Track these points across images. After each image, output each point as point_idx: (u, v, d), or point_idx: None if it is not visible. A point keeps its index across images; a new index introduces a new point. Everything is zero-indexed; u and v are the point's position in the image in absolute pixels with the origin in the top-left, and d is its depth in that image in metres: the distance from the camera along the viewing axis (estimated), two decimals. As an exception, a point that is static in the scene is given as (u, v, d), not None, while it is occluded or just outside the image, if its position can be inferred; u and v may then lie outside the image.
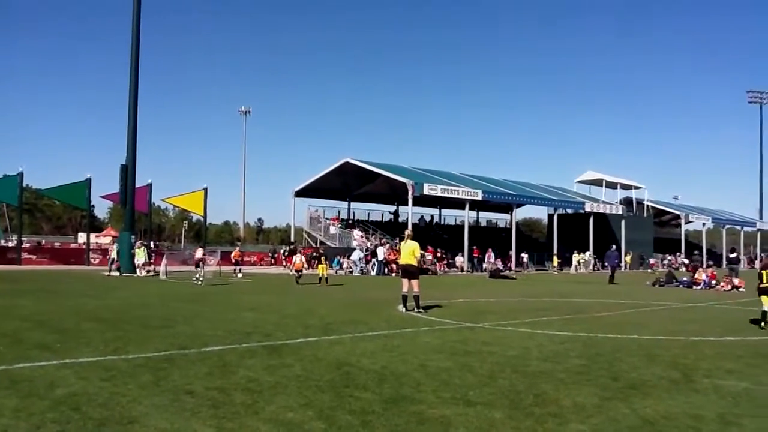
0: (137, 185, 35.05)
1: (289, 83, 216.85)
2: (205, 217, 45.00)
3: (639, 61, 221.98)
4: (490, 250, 46.26)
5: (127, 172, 33.67)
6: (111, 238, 44.54)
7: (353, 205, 56.93)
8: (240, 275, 30.34)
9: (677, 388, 6.90)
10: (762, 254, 54.95)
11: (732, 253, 33.20)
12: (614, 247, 38.13)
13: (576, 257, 50.02)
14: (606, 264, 36.41)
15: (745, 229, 77.51)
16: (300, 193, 52.21)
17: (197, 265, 23.89)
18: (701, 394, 6.62)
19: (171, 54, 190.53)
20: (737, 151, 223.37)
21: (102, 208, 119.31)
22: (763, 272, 12.89)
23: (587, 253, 51.45)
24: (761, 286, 12.79)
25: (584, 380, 7.19)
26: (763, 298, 12.72)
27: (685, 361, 8.59)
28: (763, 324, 12.54)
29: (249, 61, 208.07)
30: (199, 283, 23.16)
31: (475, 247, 46.16)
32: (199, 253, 26.51)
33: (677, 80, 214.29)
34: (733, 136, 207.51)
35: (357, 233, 46.19)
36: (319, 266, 25.81)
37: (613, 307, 17.10)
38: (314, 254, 37.71)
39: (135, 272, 31.84)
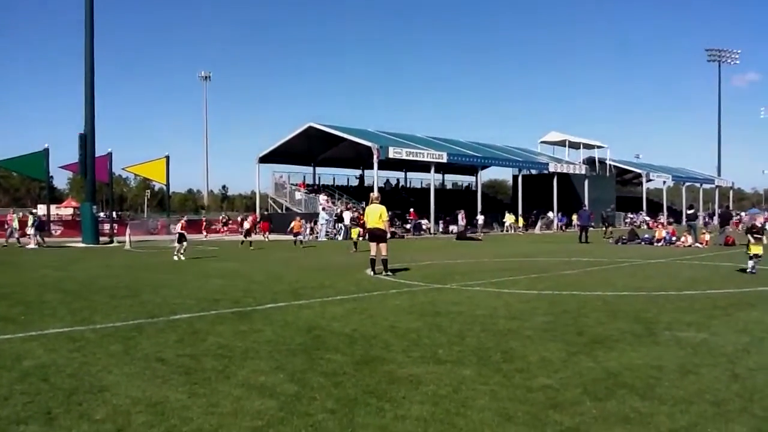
0: (97, 154, 34.24)
1: (250, 48, 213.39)
2: (168, 185, 44.21)
3: (599, 21, 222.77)
4: (463, 211, 46.45)
5: (86, 141, 32.86)
6: (12, 210, 43.00)
7: (318, 170, 56.64)
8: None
9: (639, 341, 7.10)
10: (718, 210, 56.16)
11: (690, 209, 33.94)
12: (586, 206, 38.60)
13: (507, 219, 49.79)
14: (578, 223, 36.55)
15: (704, 186, 79.14)
16: (264, 159, 51.68)
17: (180, 240, 21.28)
18: (662, 346, 6.83)
19: (128, 19, 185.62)
20: (696, 109, 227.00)
21: (62, 179, 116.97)
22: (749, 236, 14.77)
23: (511, 216, 50.88)
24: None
25: (550, 336, 7.35)
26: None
27: (646, 315, 8.83)
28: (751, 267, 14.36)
29: (208, 26, 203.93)
30: (182, 258, 20.49)
31: (411, 210, 45.93)
32: (179, 226, 23.66)
33: (638, 39, 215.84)
34: (692, 94, 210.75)
35: (323, 198, 46.04)
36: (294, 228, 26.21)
37: (577, 266, 17.44)
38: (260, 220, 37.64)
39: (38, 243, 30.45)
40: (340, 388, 5.25)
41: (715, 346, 6.84)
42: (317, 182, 54.88)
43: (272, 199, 52.79)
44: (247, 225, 27.82)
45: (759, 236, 15.19)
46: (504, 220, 49.74)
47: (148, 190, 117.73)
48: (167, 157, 45.33)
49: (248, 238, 26.44)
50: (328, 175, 56.92)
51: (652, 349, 6.67)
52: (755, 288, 12.01)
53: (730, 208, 62.16)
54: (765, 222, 53.52)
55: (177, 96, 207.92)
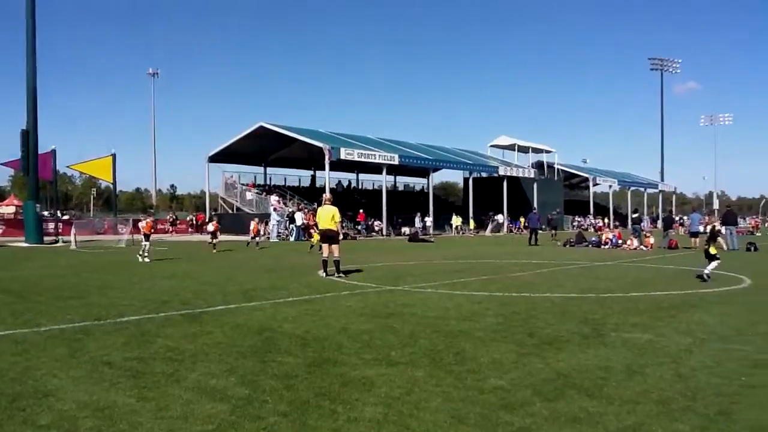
0: (40, 151, 33.33)
1: (201, 45, 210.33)
2: (114, 184, 43.39)
3: (549, 29, 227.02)
4: (419, 213, 46.75)
5: (29, 137, 31.91)
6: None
7: (270, 170, 56.14)
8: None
9: (588, 342, 7.25)
10: (662, 214, 57.83)
11: (635, 213, 34.81)
12: (536, 209, 39.21)
13: (454, 221, 50.07)
14: (528, 226, 36.99)
15: (648, 190, 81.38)
16: (214, 159, 50.91)
17: (146, 237, 20.44)
18: (609, 347, 6.98)
19: (73, 11, 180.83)
20: (641, 116, 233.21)
21: (3, 176, 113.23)
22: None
23: (459, 218, 51.15)
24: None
25: (501, 338, 7.44)
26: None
27: (594, 316, 9.02)
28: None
29: (156, 22, 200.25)
30: (147, 260, 19.60)
31: (361, 211, 45.99)
32: (143, 223, 21.82)
33: (586, 48, 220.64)
34: (636, 101, 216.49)
35: (274, 199, 45.67)
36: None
37: (528, 267, 17.70)
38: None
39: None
40: (292, 390, 5.21)
41: (659, 346, 7.02)
42: (268, 182, 54.40)
43: (222, 199, 52.11)
44: (211, 227, 27.22)
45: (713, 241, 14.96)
46: (451, 222, 50.12)
47: (94, 189, 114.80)
48: (114, 155, 44.36)
49: (214, 241, 25.84)
50: (280, 175, 56.52)
51: (599, 350, 6.81)
52: (697, 290, 12.38)
53: (673, 212, 64.03)
54: (705, 225, 55.39)
55: (124, 93, 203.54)
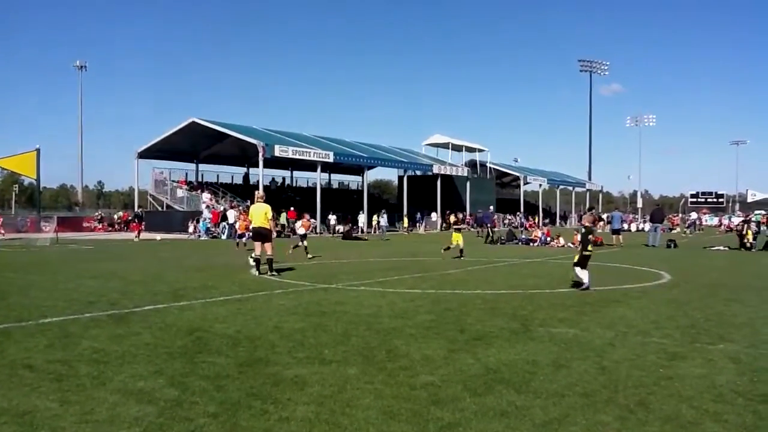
0: (-43, 146, 31.79)
1: (130, 39, 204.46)
2: (38, 180, 41.59)
3: (481, 27, 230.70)
4: (362, 211, 46.51)
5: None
6: None
7: (202, 167, 55.11)
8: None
9: (517, 337, 7.42)
10: (583, 215, 59.58)
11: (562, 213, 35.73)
12: (491, 207, 39.77)
13: (375, 218, 47.73)
14: (484, 224, 36.98)
15: (576, 189, 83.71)
16: (144, 155, 49.62)
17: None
18: (537, 342, 7.17)
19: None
20: (570, 117, 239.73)
21: None
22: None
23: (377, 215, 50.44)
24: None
25: (433, 334, 7.54)
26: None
27: (523, 312, 9.24)
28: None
29: (83, 11, 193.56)
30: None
31: (291, 209, 44.66)
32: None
33: (519, 49, 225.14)
34: (566, 102, 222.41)
35: (206, 196, 44.88)
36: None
37: (459, 265, 17.96)
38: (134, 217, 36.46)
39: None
40: (222, 391, 5.15)
41: (584, 341, 7.26)
42: (200, 180, 53.39)
43: (152, 196, 50.86)
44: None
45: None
46: (373, 219, 49.05)
47: (16, 185, 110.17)
48: (37, 150, 42.55)
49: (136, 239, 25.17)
50: (212, 172, 55.51)
51: (527, 345, 6.98)
52: (620, 286, 12.84)
53: (600, 210, 66.00)
54: (630, 223, 57.41)
55: (49, 86, 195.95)
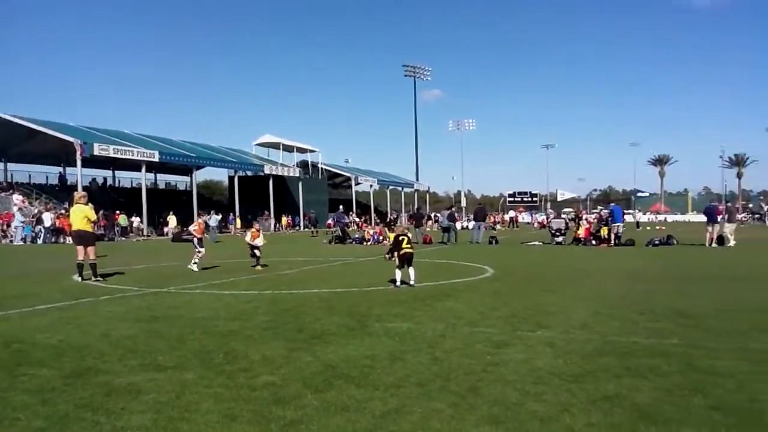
0: None
1: None
2: None
3: (309, 28, 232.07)
4: (213, 211, 44.21)
5: None
6: None
7: (11, 165, 50.66)
8: None
9: (354, 333, 7.60)
10: (413, 211, 61.86)
11: (392, 214, 36.94)
12: (342, 208, 39.93)
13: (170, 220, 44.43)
14: (338, 225, 36.70)
15: (405, 189, 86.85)
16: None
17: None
18: (374, 337, 7.39)
19: None
20: (398, 120, 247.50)
21: None
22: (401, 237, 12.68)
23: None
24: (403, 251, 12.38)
25: (272, 335, 7.53)
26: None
27: (359, 309, 9.47)
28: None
29: None
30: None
31: (117, 212, 42.70)
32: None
33: (348, 51, 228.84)
34: (395, 105, 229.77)
35: (17, 198, 41.24)
36: None
37: (295, 265, 17.99)
38: None
39: None
40: (48, 405, 4.82)
41: (418, 333, 7.59)
42: (9, 179, 48.96)
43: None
44: None
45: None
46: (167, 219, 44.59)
47: None
48: None
49: None
50: (23, 171, 51.13)
51: (365, 341, 7.18)
52: (449, 280, 13.53)
53: (426, 209, 68.86)
54: (458, 222, 60.25)
55: None
